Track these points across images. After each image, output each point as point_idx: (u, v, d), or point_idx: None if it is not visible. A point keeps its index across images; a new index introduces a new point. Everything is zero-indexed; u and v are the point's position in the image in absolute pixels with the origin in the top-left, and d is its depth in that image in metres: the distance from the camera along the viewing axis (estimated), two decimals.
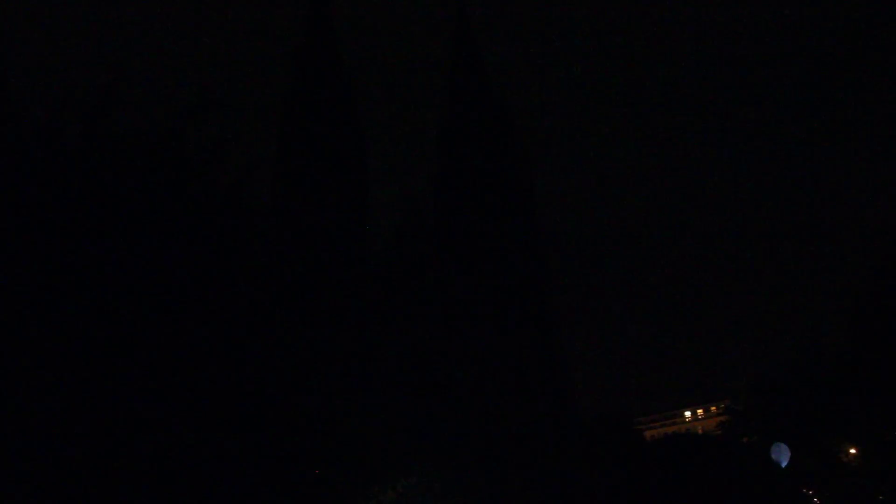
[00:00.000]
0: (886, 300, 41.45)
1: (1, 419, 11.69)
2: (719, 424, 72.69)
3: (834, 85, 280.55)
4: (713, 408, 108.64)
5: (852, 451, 41.30)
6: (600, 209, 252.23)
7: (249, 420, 14.95)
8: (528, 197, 67.06)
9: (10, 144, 13.85)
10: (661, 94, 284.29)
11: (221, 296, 15.25)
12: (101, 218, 13.56)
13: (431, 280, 60.27)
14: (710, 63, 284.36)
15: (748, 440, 49.06)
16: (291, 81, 66.65)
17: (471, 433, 55.32)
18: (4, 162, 13.46)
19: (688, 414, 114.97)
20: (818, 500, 43.10)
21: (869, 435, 40.19)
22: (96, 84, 15.36)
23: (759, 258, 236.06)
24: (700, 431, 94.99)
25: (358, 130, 63.76)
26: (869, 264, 45.23)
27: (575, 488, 55.24)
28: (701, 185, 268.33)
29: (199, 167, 16.58)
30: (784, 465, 35.67)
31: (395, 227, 62.28)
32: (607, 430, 77.74)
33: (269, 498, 16.25)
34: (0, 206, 12.83)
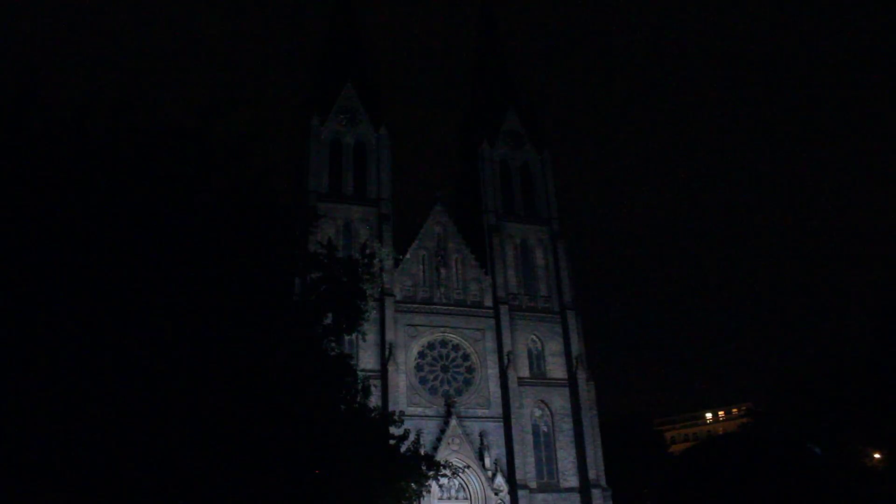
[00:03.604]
0: None
1: (1, 418, 11.75)
2: (740, 426, 72.19)
3: (859, 82, 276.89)
4: (734, 409, 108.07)
5: (877, 455, 40.85)
6: (622, 210, 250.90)
7: (260, 417, 14.93)
8: (548, 193, 66.81)
9: (38, 143, 13.99)
10: (686, 96, 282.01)
11: (242, 292, 15.30)
12: (124, 213, 13.65)
13: (452, 277, 60.58)
14: (733, 64, 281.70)
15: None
16: (315, 78, 67.01)
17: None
18: (32, 159, 13.59)
19: (709, 415, 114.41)
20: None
21: (893, 439, 39.72)
22: (121, 82, 15.54)
23: (782, 261, 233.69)
24: (721, 433, 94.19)
25: (381, 126, 63.89)
26: (891, 266, 44.65)
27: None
28: (725, 187, 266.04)
29: (223, 163, 16.66)
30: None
31: (418, 225, 62.69)
32: (629, 430, 77.57)
33: (270, 498, 16.25)
34: (26, 203, 12.94)
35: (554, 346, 60.35)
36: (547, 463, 56.83)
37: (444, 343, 58.10)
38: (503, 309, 59.59)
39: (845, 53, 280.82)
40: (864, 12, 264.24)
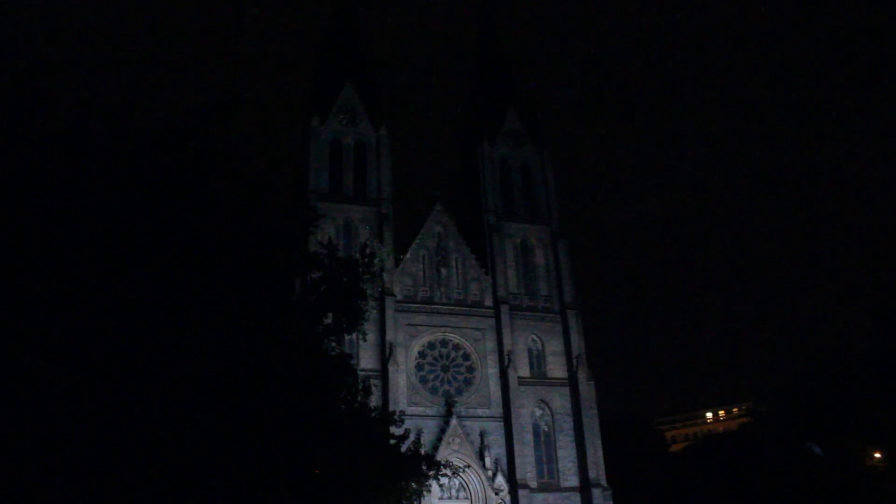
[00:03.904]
0: None
1: (2, 417, 11.74)
2: (741, 426, 72.22)
3: (859, 82, 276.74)
4: (735, 409, 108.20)
5: (877, 455, 40.84)
6: (622, 210, 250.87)
7: (258, 417, 14.92)
8: (548, 192, 66.80)
9: (38, 143, 14.00)
10: (686, 96, 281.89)
11: (242, 291, 15.29)
12: (124, 213, 13.65)
13: (454, 276, 60.58)
14: (733, 64, 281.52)
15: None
16: (315, 78, 67.01)
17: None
18: (32, 160, 13.59)
19: (709, 415, 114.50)
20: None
21: (893, 439, 39.71)
22: (121, 82, 15.56)
23: (782, 261, 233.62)
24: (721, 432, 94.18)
25: (381, 126, 63.87)
26: (891, 265, 44.64)
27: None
28: (725, 187, 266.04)
29: (223, 163, 16.67)
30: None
31: (418, 225, 62.69)
32: (630, 430, 77.56)
33: (270, 497, 16.24)
34: (26, 203, 12.95)
35: (554, 346, 60.34)
36: (547, 462, 56.82)
37: (444, 343, 58.09)
38: (503, 308, 59.61)
39: (845, 53, 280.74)
40: (864, 12, 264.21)
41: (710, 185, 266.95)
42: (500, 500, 52.89)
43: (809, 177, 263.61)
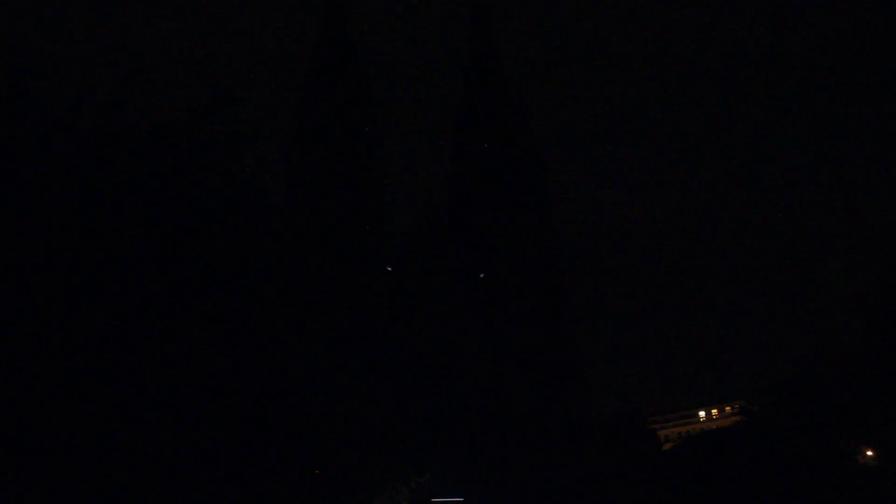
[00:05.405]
0: None
1: (2, 417, 11.69)
2: (733, 425, 72.27)
3: (859, 82, 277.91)
4: (727, 408, 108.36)
5: (869, 453, 40.98)
6: (615, 207, 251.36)
7: (257, 418, 14.90)
8: (542, 192, 66.93)
9: (29, 141, 13.92)
10: (683, 95, 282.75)
11: (234, 291, 15.24)
12: (116, 211, 13.59)
13: (445, 276, 60.53)
14: (732, 63, 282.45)
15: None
16: (308, 77, 66.90)
17: (484, 429, 55.65)
18: (23, 157, 13.52)
19: (702, 414, 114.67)
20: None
21: (886, 437, 39.84)
22: (112, 80, 15.44)
23: (773, 259, 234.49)
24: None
25: (373, 126, 63.84)
26: (883, 264, 44.80)
27: (588, 484, 55.26)
28: (717, 185, 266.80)
29: (216, 162, 16.59)
30: None
31: (410, 224, 62.70)
32: (622, 427, 77.60)
33: (277, 498, 16.22)
34: (17, 201, 12.88)
35: None
36: None
37: None
38: None
39: (845, 53, 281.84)
40: (865, 12, 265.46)
41: (705, 183, 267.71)
42: None
43: (805, 176, 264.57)
